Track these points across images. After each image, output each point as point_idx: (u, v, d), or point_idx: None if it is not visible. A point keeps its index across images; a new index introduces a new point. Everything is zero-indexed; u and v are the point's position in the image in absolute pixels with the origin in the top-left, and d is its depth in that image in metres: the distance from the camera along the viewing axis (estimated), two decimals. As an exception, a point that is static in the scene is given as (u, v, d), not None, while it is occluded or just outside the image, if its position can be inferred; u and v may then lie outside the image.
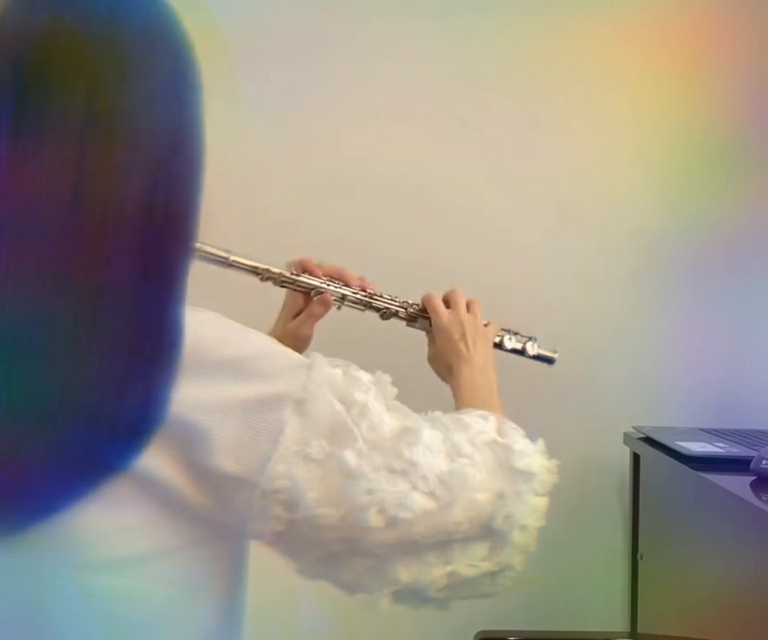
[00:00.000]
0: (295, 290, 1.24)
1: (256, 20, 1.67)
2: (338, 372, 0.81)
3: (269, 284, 1.21)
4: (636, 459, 1.66)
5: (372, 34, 1.73)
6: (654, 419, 1.68)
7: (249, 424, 0.74)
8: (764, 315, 1.74)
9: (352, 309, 1.27)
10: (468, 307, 1.24)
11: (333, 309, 1.24)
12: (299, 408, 0.76)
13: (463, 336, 1.20)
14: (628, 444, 1.68)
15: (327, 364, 0.81)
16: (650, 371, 1.76)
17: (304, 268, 1.23)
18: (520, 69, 1.73)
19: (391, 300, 1.28)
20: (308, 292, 1.23)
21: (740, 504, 1.21)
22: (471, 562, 0.85)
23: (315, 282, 1.23)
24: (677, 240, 1.76)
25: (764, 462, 1.24)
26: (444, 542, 0.83)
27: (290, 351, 0.82)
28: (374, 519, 0.77)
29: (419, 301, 1.29)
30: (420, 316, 1.28)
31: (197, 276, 0.78)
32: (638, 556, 1.65)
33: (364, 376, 0.83)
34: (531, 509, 0.88)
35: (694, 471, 1.34)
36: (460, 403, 1.10)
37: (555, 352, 1.36)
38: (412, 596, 0.86)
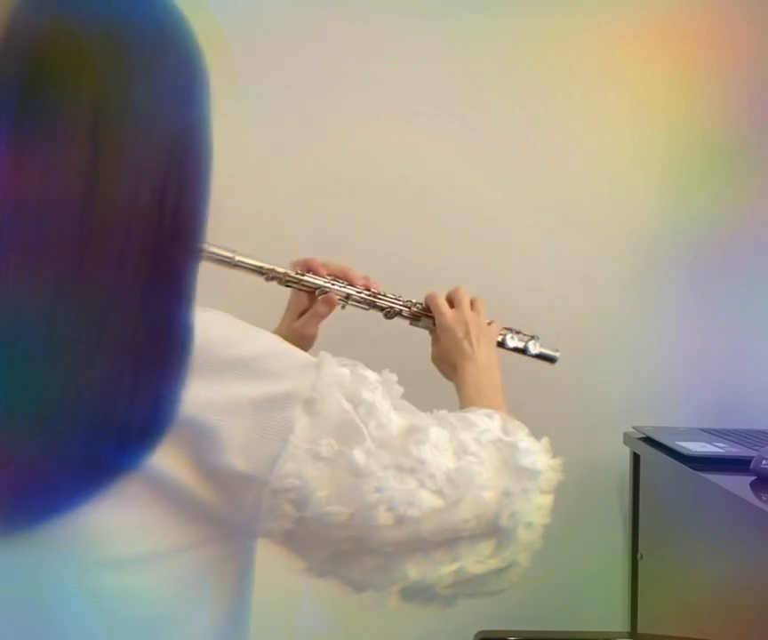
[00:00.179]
0: (300, 289, 1.24)
1: (256, 20, 1.66)
2: (346, 371, 0.81)
3: (274, 283, 1.22)
4: (636, 459, 1.66)
5: (372, 34, 1.73)
6: (654, 419, 1.68)
7: (258, 423, 0.75)
8: (764, 315, 1.74)
9: (356, 308, 1.27)
10: (472, 305, 1.25)
11: (338, 308, 1.25)
12: (308, 407, 0.77)
13: (467, 334, 1.20)
14: (628, 444, 1.68)
15: (335, 363, 0.81)
16: (650, 371, 1.75)
17: (309, 268, 1.24)
18: (520, 69, 1.73)
19: (395, 299, 1.29)
20: (312, 292, 1.24)
21: (739, 504, 1.20)
22: (478, 559, 0.86)
23: (319, 281, 1.24)
24: (677, 240, 1.76)
25: (764, 462, 1.24)
26: (451, 540, 0.83)
27: (298, 350, 0.82)
28: (383, 517, 0.78)
29: (422, 300, 1.29)
30: (423, 315, 1.29)
31: (203, 276, 0.78)
32: (638, 556, 1.64)
33: (371, 375, 0.83)
34: (536, 507, 0.88)
35: (694, 471, 1.34)
36: (464, 401, 1.11)
37: (557, 351, 1.37)
38: (419, 593, 0.86)
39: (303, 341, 1.22)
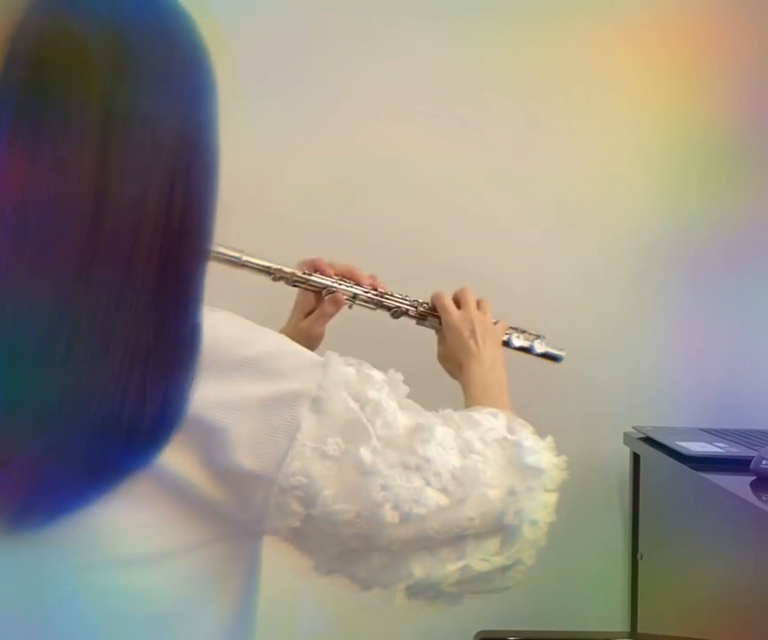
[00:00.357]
0: (307, 289, 1.25)
1: (256, 19, 1.66)
2: (352, 370, 0.82)
3: (281, 283, 1.22)
4: (636, 459, 1.66)
5: (371, 34, 1.73)
6: (654, 419, 1.68)
7: (266, 421, 0.75)
8: (764, 315, 1.74)
9: (363, 308, 1.28)
10: (478, 305, 1.25)
11: (345, 308, 1.25)
12: (314, 406, 0.77)
13: (473, 333, 1.21)
14: (628, 444, 1.68)
15: (342, 362, 0.82)
16: (650, 371, 1.75)
17: (315, 268, 1.24)
18: (520, 69, 1.73)
19: (402, 298, 1.29)
20: (319, 292, 1.24)
21: (739, 504, 1.21)
22: (483, 556, 0.86)
23: (326, 281, 1.24)
24: (677, 240, 1.76)
25: (764, 462, 1.24)
26: (457, 537, 0.84)
27: (305, 350, 0.83)
28: (389, 515, 0.78)
29: (429, 300, 1.29)
30: (430, 315, 1.29)
31: (210, 276, 0.78)
32: (638, 556, 1.65)
33: (377, 374, 0.84)
34: (541, 505, 0.89)
35: (694, 471, 1.34)
36: (470, 400, 1.11)
37: (562, 350, 1.37)
38: (425, 591, 0.87)
39: (310, 341, 1.22)
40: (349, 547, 0.81)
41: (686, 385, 1.75)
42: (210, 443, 0.73)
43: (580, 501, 1.62)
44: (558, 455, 0.94)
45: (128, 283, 0.70)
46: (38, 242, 0.69)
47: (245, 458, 0.74)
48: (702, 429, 1.62)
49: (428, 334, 1.30)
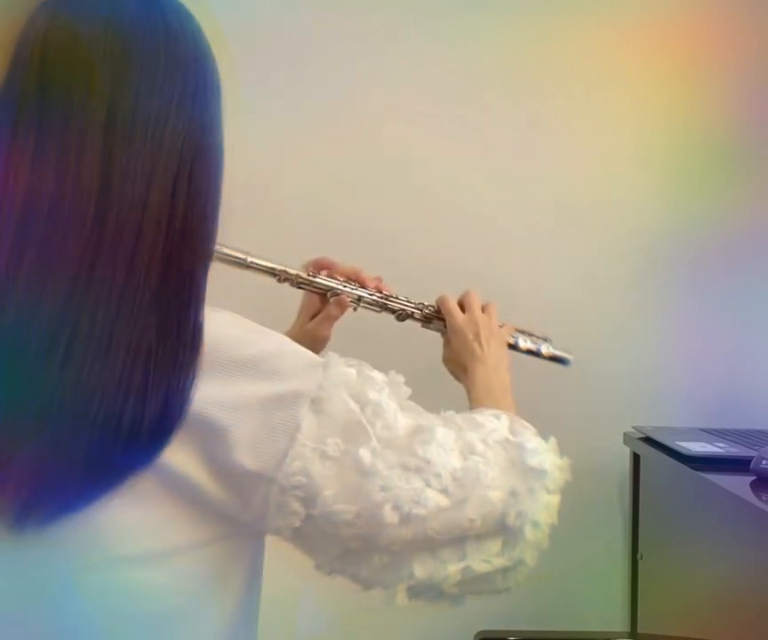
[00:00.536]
0: (312, 291, 1.24)
1: (256, 20, 1.66)
2: (352, 371, 0.82)
3: (287, 285, 1.22)
4: (636, 459, 1.66)
5: (371, 34, 1.73)
6: (654, 419, 1.68)
7: (266, 421, 0.75)
8: (764, 315, 1.74)
9: (368, 310, 1.28)
10: (483, 309, 1.25)
11: (349, 310, 1.25)
12: (315, 406, 0.78)
13: (477, 336, 1.20)
14: (628, 444, 1.68)
15: (342, 363, 0.82)
16: (650, 371, 1.75)
17: (320, 266, 1.24)
18: (520, 69, 1.73)
19: (407, 301, 1.29)
20: (324, 294, 1.24)
21: (739, 504, 1.20)
22: (485, 557, 0.86)
23: (331, 283, 1.24)
24: (677, 240, 1.75)
25: (764, 462, 1.24)
26: (458, 538, 0.84)
27: (306, 351, 0.83)
28: (389, 515, 0.78)
29: (434, 303, 1.29)
30: (435, 318, 1.29)
31: (214, 277, 0.78)
32: (638, 556, 1.64)
33: (378, 376, 0.84)
34: (543, 506, 0.89)
35: (694, 471, 1.34)
36: (474, 402, 1.11)
37: (569, 353, 1.37)
38: (426, 591, 0.87)
39: (316, 343, 1.22)
40: (350, 547, 0.81)
41: (686, 385, 1.75)
42: (211, 442, 0.74)
43: (579, 501, 1.61)
44: (561, 457, 0.94)
45: (130, 283, 0.71)
46: (40, 242, 0.69)
47: (246, 457, 0.75)
48: (702, 429, 1.62)
49: (431, 337, 1.30)
